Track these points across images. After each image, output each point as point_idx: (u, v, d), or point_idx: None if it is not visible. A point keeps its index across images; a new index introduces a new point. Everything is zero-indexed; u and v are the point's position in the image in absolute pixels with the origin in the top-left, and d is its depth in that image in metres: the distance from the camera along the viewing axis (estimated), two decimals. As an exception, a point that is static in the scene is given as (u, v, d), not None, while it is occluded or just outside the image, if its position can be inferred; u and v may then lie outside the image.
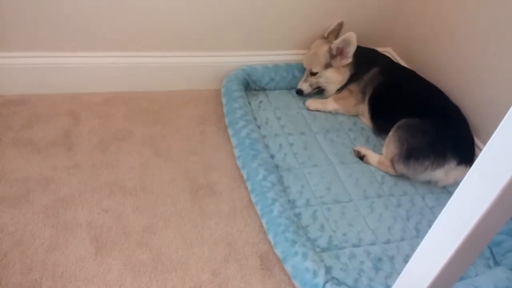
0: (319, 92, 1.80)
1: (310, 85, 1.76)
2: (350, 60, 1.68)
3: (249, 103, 1.69)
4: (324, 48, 1.70)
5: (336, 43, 1.66)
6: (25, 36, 1.52)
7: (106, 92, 1.69)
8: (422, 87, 1.66)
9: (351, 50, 1.66)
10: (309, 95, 1.79)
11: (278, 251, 1.19)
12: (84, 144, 1.46)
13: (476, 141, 1.52)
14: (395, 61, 1.90)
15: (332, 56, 1.69)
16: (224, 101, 1.65)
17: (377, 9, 1.86)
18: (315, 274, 1.10)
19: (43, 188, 1.30)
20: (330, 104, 1.74)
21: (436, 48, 1.76)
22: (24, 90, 1.61)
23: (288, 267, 1.15)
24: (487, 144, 0.62)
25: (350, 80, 1.73)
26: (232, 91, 1.66)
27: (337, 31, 1.79)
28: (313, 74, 1.73)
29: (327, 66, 1.70)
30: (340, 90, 1.75)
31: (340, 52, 1.68)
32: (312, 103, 1.75)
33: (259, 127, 1.61)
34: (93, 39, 1.59)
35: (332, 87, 1.75)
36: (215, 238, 1.25)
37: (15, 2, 1.43)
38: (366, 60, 1.72)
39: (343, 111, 1.74)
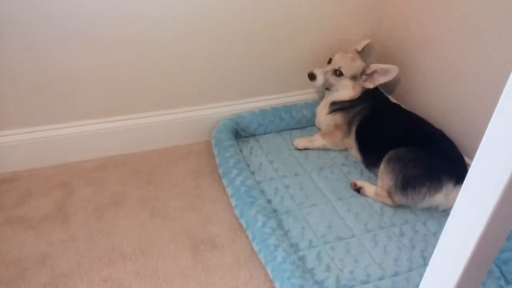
0: (307, 130, 1.83)
1: (325, 81, 1.72)
2: (371, 87, 1.70)
3: (241, 151, 1.70)
4: (360, 61, 1.71)
5: (377, 66, 1.67)
6: (9, 114, 1.54)
7: (96, 158, 1.70)
8: (405, 117, 1.68)
9: (382, 80, 1.68)
10: (316, 86, 1.79)
11: (286, 299, 1.16)
12: (79, 214, 1.45)
13: (466, 159, 1.53)
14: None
15: (361, 73, 1.70)
16: (215, 152, 1.66)
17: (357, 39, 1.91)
18: (327, 318, 1.07)
19: (39, 265, 1.27)
20: (317, 141, 1.75)
21: (413, 77, 1.80)
22: (14, 167, 1.61)
23: (299, 315, 1.11)
24: (472, 164, 0.62)
25: (342, 108, 1.73)
26: (222, 141, 1.68)
27: (367, 46, 1.81)
28: (337, 73, 1.70)
29: (352, 78, 1.70)
30: (332, 111, 1.75)
31: (370, 75, 1.69)
32: (300, 141, 1.76)
33: (253, 173, 1.61)
34: (78, 108, 1.61)
35: (336, 95, 1.75)
36: (221, 294, 1.22)
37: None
38: (368, 94, 1.73)
39: (331, 146, 1.74)
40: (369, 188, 1.52)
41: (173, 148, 1.79)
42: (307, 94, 1.93)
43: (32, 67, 1.48)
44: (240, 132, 1.78)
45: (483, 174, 0.60)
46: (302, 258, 1.29)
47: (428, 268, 0.76)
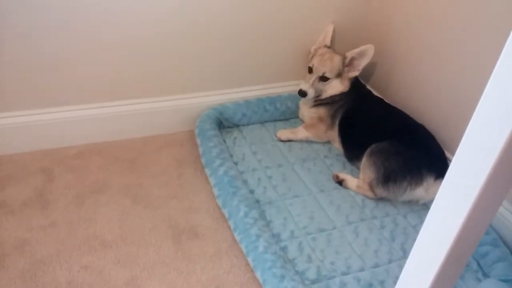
0: (291, 122, 1.83)
1: (316, 90, 1.71)
2: (358, 73, 1.70)
3: (224, 141, 1.70)
4: (337, 56, 1.70)
5: (353, 52, 1.66)
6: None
7: (78, 145, 1.67)
8: (387, 111, 1.70)
9: (364, 62, 1.67)
10: (309, 100, 1.77)
11: (267, 289, 1.17)
12: (59, 201, 1.43)
13: (447, 154, 1.56)
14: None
15: (343, 64, 1.69)
16: (198, 141, 1.65)
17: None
18: (307, 308, 1.08)
19: (19, 251, 1.25)
20: (300, 133, 1.75)
21: (396, 70, 1.82)
22: (-6, 152, 1.58)
23: (279, 304, 1.13)
24: (455, 156, 0.63)
25: (325, 102, 1.74)
26: (205, 130, 1.67)
27: (332, 39, 1.79)
28: (323, 79, 1.70)
29: (338, 75, 1.70)
30: (314, 106, 1.75)
31: (351, 63, 1.69)
32: (283, 133, 1.76)
33: (236, 163, 1.61)
34: (61, 94, 1.58)
35: (326, 94, 1.74)
36: (202, 283, 1.22)
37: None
38: (351, 87, 1.73)
39: (314, 138, 1.75)
40: (351, 181, 1.54)
41: (156, 137, 1.77)
42: (292, 86, 1.93)
43: (16, 52, 1.44)
44: (223, 122, 1.78)
45: (465, 167, 0.61)
46: (283, 249, 1.30)
47: (408, 260, 0.77)
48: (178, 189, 1.52)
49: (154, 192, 1.50)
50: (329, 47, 1.78)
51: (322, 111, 1.74)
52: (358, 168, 1.58)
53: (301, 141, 1.76)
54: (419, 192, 1.45)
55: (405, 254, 1.31)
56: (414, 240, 0.75)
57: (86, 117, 1.65)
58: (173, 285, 1.20)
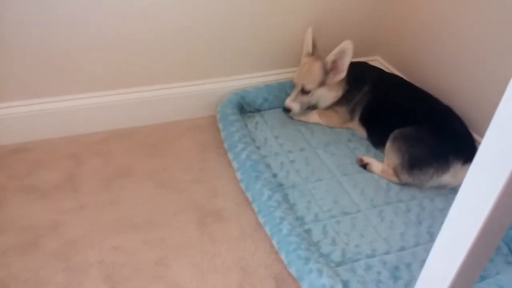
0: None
1: (301, 105, 1.67)
2: (344, 74, 1.60)
3: (246, 126, 1.70)
4: (317, 64, 1.62)
5: (332, 55, 1.57)
6: (19, 85, 1.55)
7: (103, 131, 1.70)
8: (411, 94, 1.64)
9: (346, 61, 1.57)
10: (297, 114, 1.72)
11: (292, 270, 1.18)
12: (88, 184, 1.47)
13: (475, 136, 1.53)
14: (384, 69, 1.91)
15: (326, 72, 1.62)
16: (221, 126, 1.67)
17: (360, 18, 1.88)
18: (332, 289, 1.09)
19: (51, 232, 1.30)
20: (312, 117, 1.73)
21: (423, 50, 1.79)
22: (24, 138, 1.62)
23: (304, 285, 1.14)
24: (484, 139, 0.62)
25: (340, 100, 1.68)
26: (227, 115, 1.68)
27: (314, 41, 1.67)
28: (305, 92, 1.65)
29: (321, 83, 1.65)
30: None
31: (334, 66, 1.61)
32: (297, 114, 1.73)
33: (258, 148, 1.61)
34: (85, 80, 1.61)
35: (323, 104, 1.72)
36: (227, 265, 1.24)
37: (4, 52, 1.46)
38: (358, 76, 1.65)
39: (326, 125, 1.73)
40: (375, 165, 1.53)
41: (178, 122, 1.79)
42: (314, 69, 1.92)
43: (41, 38, 1.47)
44: (245, 107, 1.78)
45: (494, 150, 0.60)
46: (307, 231, 1.31)
47: (436, 243, 0.77)
48: (201, 173, 1.55)
49: (178, 176, 1.53)
50: (312, 54, 1.66)
51: (338, 107, 1.70)
52: (383, 152, 1.56)
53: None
54: (446, 178, 1.42)
55: (432, 237, 1.30)
56: (441, 223, 0.74)
57: (110, 104, 1.67)
58: (199, 266, 1.23)
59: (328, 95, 1.68)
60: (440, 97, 1.62)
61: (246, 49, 1.78)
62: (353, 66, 1.63)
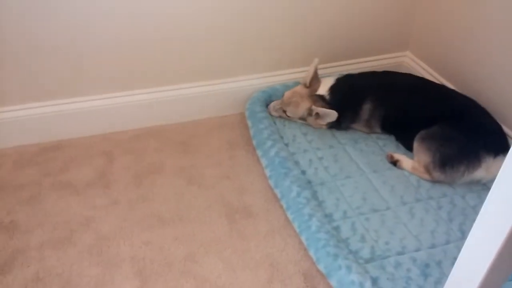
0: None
1: (279, 113, 1.70)
2: (324, 124, 1.63)
3: (274, 123, 1.70)
4: (306, 104, 1.62)
5: (317, 109, 1.58)
6: (54, 86, 1.60)
7: (133, 129, 1.74)
8: (431, 92, 1.59)
9: (325, 122, 1.61)
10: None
11: (321, 267, 1.18)
12: (119, 181, 1.50)
13: (504, 128, 1.48)
14: (415, 65, 1.86)
15: (309, 114, 1.63)
16: (249, 123, 1.67)
17: (389, 15, 1.85)
18: (361, 286, 1.08)
19: (85, 227, 1.34)
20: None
21: (455, 45, 1.74)
22: (57, 137, 1.68)
23: (333, 282, 1.14)
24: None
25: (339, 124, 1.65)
26: (256, 112, 1.68)
27: (315, 75, 1.66)
28: (287, 115, 1.68)
29: (303, 119, 1.67)
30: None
31: (317, 116, 1.61)
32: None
33: (286, 145, 1.61)
34: (117, 80, 1.65)
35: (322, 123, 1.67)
36: (256, 260, 1.25)
37: (40, 55, 1.51)
38: (346, 104, 1.61)
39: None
40: (406, 162, 1.50)
41: (207, 120, 1.81)
42: (339, 66, 1.90)
43: (72, 40, 1.51)
44: (273, 105, 1.78)
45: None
46: (336, 228, 1.30)
47: (467, 241, 0.76)
48: (230, 170, 1.56)
49: (207, 173, 1.54)
50: (308, 86, 1.65)
51: (353, 125, 1.68)
52: (412, 151, 1.53)
53: None
54: (479, 173, 1.39)
55: (463, 235, 1.27)
56: (473, 221, 0.73)
57: (141, 102, 1.71)
58: (228, 262, 1.24)
59: (309, 119, 1.67)
60: (470, 91, 1.58)
61: (274, 47, 1.78)
62: (339, 93, 1.63)
